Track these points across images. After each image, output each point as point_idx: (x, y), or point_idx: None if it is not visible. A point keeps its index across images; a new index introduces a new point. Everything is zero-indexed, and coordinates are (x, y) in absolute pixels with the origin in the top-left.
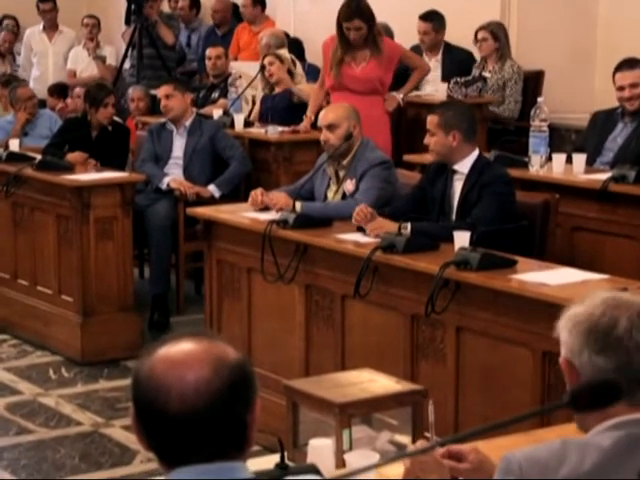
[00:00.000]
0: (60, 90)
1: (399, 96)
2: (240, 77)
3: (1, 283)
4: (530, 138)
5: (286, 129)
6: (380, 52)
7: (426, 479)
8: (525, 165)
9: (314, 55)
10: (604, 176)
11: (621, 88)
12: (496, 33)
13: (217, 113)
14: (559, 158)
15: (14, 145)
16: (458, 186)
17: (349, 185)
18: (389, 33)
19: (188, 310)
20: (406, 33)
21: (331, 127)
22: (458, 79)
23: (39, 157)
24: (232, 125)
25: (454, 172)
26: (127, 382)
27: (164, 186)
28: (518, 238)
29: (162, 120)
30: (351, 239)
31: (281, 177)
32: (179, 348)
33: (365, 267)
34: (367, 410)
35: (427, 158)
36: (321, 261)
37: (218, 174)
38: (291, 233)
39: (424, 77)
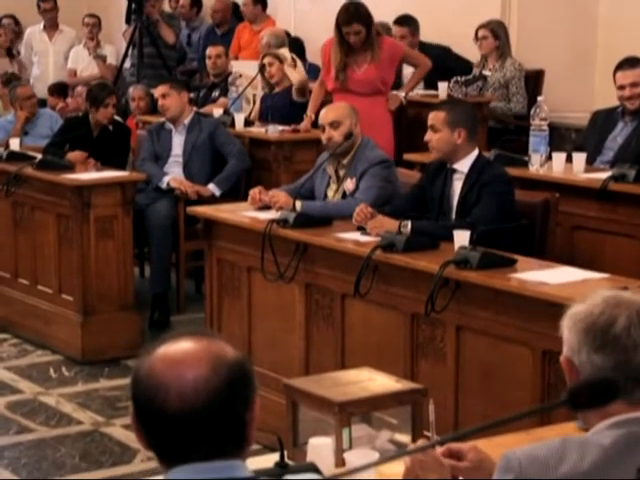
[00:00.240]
0: (60, 89)
1: (401, 95)
2: (240, 76)
3: (1, 282)
4: (530, 137)
5: (286, 128)
6: (380, 54)
7: (426, 478)
8: (525, 164)
9: (315, 54)
10: (604, 175)
11: (621, 87)
12: (496, 31)
13: (217, 112)
14: (559, 157)
15: (14, 144)
16: (457, 185)
17: (349, 184)
18: (389, 32)
19: (188, 309)
20: None
21: (334, 124)
22: (458, 78)
23: (39, 156)
24: (232, 124)
25: (454, 171)
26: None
27: (164, 185)
28: (518, 237)
29: (161, 120)
30: (351, 238)
31: (281, 176)
32: (178, 347)
33: (365, 266)
34: (367, 409)
35: (427, 157)
36: (321, 260)
37: (218, 171)
38: (291, 232)
39: (426, 74)
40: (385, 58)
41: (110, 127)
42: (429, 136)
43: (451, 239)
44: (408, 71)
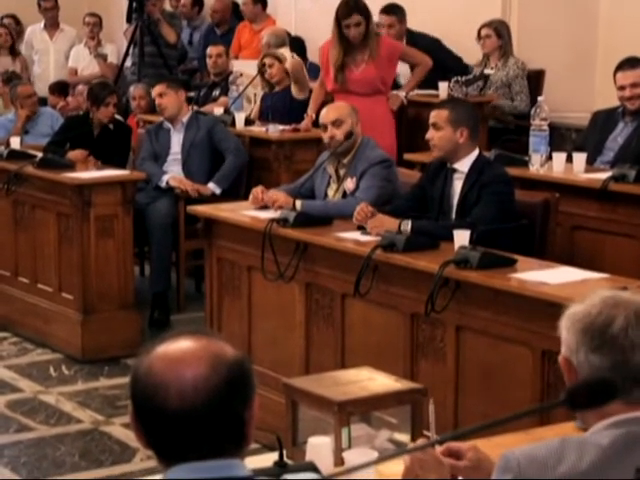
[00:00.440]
0: (61, 88)
1: (401, 94)
2: (241, 75)
3: (2, 281)
4: (530, 137)
5: (287, 128)
6: (378, 52)
7: (425, 478)
8: (525, 164)
9: (316, 54)
10: (604, 175)
11: (622, 87)
12: (500, 30)
13: (218, 111)
14: (559, 157)
15: (15, 143)
16: (458, 185)
17: (349, 184)
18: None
19: (188, 308)
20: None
21: (336, 123)
22: (459, 78)
23: (40, 155)
24: (233, 123)
25: (454, 171)
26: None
27: (163, 184)
28: (518, 237)
29: (160, 120)
30: (351, 238)
31: (282, 175)
32: (177, 346)
33: (365, 266)
34: (366, 408)
35: (427, 157)
36: (321, 260)
37: (216, 168)
38: (291, 232)
39: (427, 73)
40: (383, 57)
41: (111, 126)
42: (431, 134)
43: (451, 239)
44: (404, 68)
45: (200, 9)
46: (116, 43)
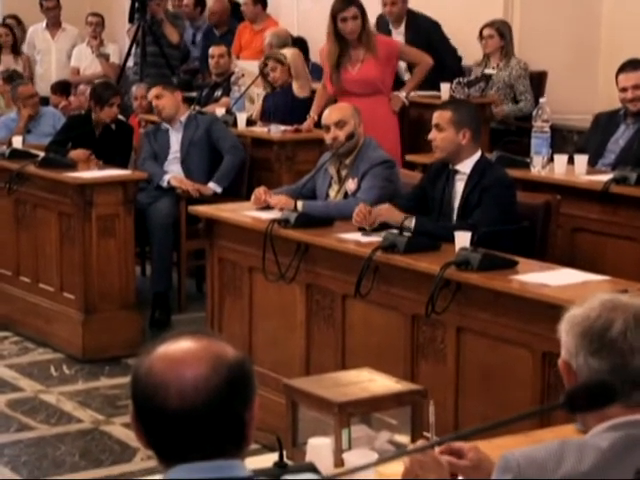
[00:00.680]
0: (63, 88)
1: (402, 95)
2: (243, 76)
3: (3, 280)
4: (532, 139)
5: (288, 128)
6: (374, 51)
7: (425, 478)
8: (527, 166)
9: (318, 54)
10: (605, 177)
11: (624, 89)
12: (502, 30)
13: (220, 112)
14: (561, 159)
15: (17, 142)
16: (459, 186)
17: (351, 184)
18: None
19: (189, 308)
20: None
21: (339, 124)
22: (461, 79)
23: (42, 154)
24: (235, 124)
25: (455, 172)
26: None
27: (165, 184)
28: (519, 239)
29: (157, 121)
30: (352, 239)
31: (283, 176)
32: (178, 346)
33: (366, 267)
34: (366, 410)
35: (429, 158)
36: (322, 260)
37: (216, 166)
38: (292, 232)
39: (427, 72)
40: (381, 56)
41: (113, 126)
42: (433, 135)
43: (453, 240)
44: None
45: (202, 9)
46: (118, 43)
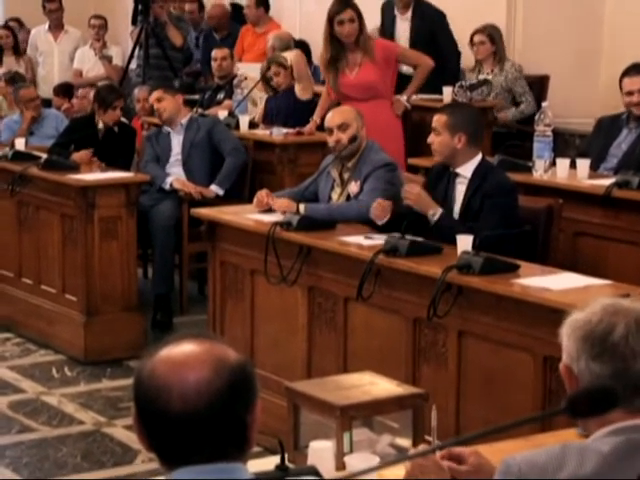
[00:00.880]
0: (66, 90)
1: (403, 98)
2: (246, 79)
3: (5, 282)
4: (534, 143)
5: (291, 131)
6: (371, 55)
7: None
8: (529, 170)
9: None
10: (608, 182)
11: (630, 93)
12: (493, 36)
13: (222, 114)
14: (563, 163)
15: (20, 144)
16: (460, 189)
17: (353, 187)
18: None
19: (191, 310)
20: None
21: (342, 127)
22: (463, 83)
23: (45, 156)
24: (237, 126)
25: (456, 175)
26: (130, 382)
27: (167, 186)
28: (521, 243)
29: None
30: (354, 242)
31: (285, 179)
32: (180, 349)
33: (368, 270)
34: (368, 413)
35: (431, 161)
36: (324, 263)
37: (217, 167)
38: (295, 235)
39: (428, 74)
40: (380, 60)
41: (115, 128)
42: (431, 138)
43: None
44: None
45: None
46: (121, 45)
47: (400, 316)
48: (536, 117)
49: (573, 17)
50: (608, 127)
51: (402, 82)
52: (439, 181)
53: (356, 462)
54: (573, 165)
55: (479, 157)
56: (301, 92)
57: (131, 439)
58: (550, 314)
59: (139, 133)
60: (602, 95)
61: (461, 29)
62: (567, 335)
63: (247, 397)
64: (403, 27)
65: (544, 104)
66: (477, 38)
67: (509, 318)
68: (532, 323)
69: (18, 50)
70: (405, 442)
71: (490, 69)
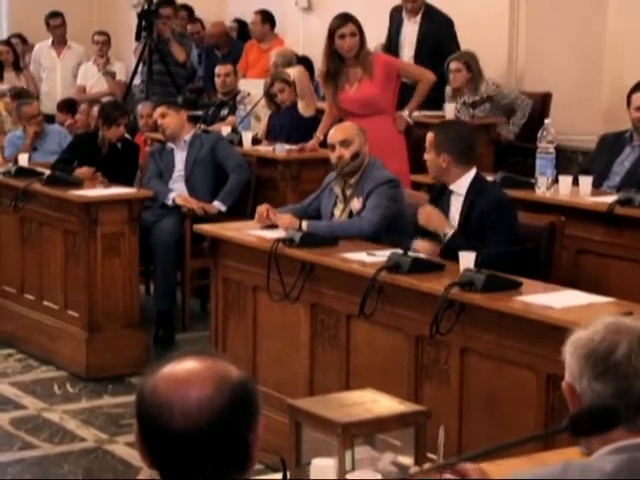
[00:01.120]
0: (69, 106)
1: (405, 114)
2: (249, 95)
3: (8, 297)
4: (537, 160)
5: (294, 147)
6: (370, 71)
7: None
8: (531, 187)
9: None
10: (610, 199)
11: (638, 108)
12: (469, 63)
13: (225, 130)
14: (565, 180)
15: (23, 160)
16: (457, 207)
17: (356, 204)
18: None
19: (193, 327)
20: None
21: (345, 143)
22: (466, 100)
23: (48, 172)
24: (240, 143)
25: (451, 192)
26: (131, 398)
27: (170, 202)
28: (523, 260)
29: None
30: (357, 259)
31: (288, 195)
32: (182, 366)
33: (370, 287)
34: (370, 430)
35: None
36: (327, 280)
37: (220, 184)
38: (297, 252)
39: (430, 89)
40: (380, 76)
41: (119, 144)
42: (425, 156)
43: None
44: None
45: None
46: (125, 61)
47: (402, 333)
48: (539, 134)
49: (576, 34)
50: (611, 144)
51: (404, 93)
52: (439, 199)
53: None
54: (576, 182)
55: (472, 173)
56: (304, 108)
57: (133, 456)
58: (553, 332)
59: (142, 149)
60: (605, 112)
61: (463, 48)
62: (570, 353)
63: (249, 414)
64: (410, 31)
65: (547, 121)
66: (453, 65)
67: (512, 335)
68: (535, 341)
69: (18, 66)
70: (407, 460)
71: (467, 97)
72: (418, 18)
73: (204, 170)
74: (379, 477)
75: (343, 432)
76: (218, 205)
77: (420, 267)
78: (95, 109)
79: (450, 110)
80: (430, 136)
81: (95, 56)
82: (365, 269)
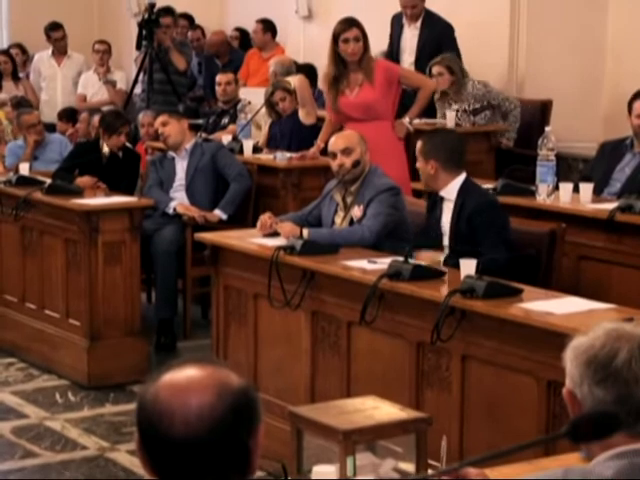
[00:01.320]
0: (70, 115)
1: (405, 121)
2: (249, 103)
3: (9, 306)
4: (537, 167)
5: (294, 155)
6: (371, 76)
7: None
8: (532, 194)
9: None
10: (611, 206)
11: (639, 116)
12: (451, 67)
13: (226, 139)
14: (566, 187)
15: (24, 169)
16: (448, 212)
17: (357, 211)
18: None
19: (195, 335)
20: None
21: (346, 151)
22: (466, 107)
23: (49, 181)
24: (241, 151)
25: (442, 198)
26: (133, 407)
27: (170, 210)
28: (524, 267)
29: (162, 147)
30: (358, 266)
31: (289, 203)
32: (183, 374)
33: (371, 294)
34: (371, 437)
35: None
36: (328, 288)
37: (221, 192)
38: (298, 259)
39: (430, 96)
40: (381, 81)
41: (120, 153)
42: (416, 164)
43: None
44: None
45: None
46: (125, 70)
47: (403, 340)
48: (539, 142)
49: (576, 42)
50: (611, 151)
51: (405, 101)
52: (434, 206)
53: None
54: (576, 189)
55: (461, 178)
56: (305, 117)
57: (134, 464)
58: (553, 338)
59: (143, 158)
60: (605, 119)
61: (467, 59)
62: (570, 360)
63: (250, 422)
64: (411, 37)
65: (547, 128)
66: (435, 69)
67: (513, 342)
68: (535, 347)
69: (17, 75)
70: (408, 466)
71: (454, 99)
72: (418, 24)
73: (205, 179)
74: None
75: (344, 439)
76: (219, 213)
77: (421, 274)
78: (96, 118)
79: (451, 118)
80: (419, 144)
81: (96, 65)
82: (366, 276)
